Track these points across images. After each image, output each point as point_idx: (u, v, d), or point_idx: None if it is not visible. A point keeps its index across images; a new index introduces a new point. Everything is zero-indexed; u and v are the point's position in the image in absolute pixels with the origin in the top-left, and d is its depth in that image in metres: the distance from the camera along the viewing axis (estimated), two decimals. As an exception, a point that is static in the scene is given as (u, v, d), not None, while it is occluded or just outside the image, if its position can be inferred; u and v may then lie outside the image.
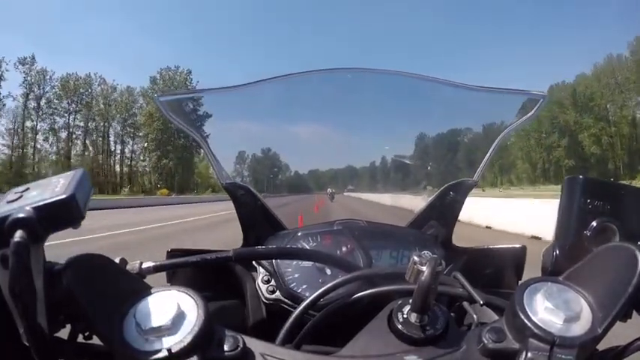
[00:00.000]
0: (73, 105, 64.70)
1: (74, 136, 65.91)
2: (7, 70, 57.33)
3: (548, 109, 72.91)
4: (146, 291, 0.38)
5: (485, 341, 0.36)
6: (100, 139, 68.28)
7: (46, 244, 0.34)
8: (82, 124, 66.33)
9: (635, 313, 0.38)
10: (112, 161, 70.36)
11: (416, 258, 0.39)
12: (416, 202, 0.96)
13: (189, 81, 68.48)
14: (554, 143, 77.01)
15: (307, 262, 0.70)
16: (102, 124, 68.28)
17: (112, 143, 70.00)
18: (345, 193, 1.42)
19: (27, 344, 0.32)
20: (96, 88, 68.05)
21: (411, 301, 0.40)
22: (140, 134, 69.54)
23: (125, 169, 71.08)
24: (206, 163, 73.71)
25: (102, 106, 67.57)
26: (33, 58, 61.12)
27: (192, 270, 0.72)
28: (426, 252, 0.41)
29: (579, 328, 0.34)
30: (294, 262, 0.71)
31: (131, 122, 69.68)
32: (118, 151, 70.76)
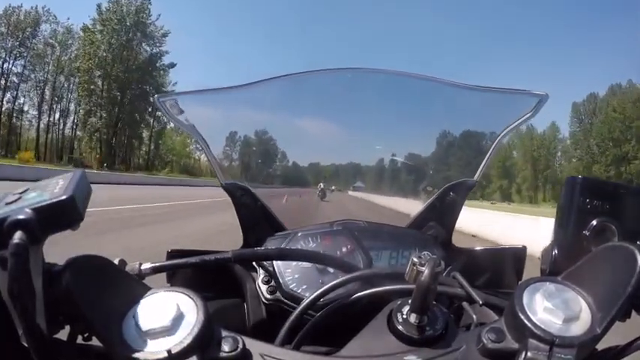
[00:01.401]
0: (15, 43, 48.06)
1: (8, 84, 48.25)
2: None
3: (620, 111, 60.65)
4: (145, 292, 0.38)
5: (485, 341, 0.36)
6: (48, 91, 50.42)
7: None
8: (29, 72, 49.10)
9: (634, 312, 0.38)
10: (62, 122, 53.26)
11: (415, 259, 0.39)
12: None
13: (147, 12, 51.42)
14: (630, 154, 61.82)
15: (307, 263, 0.70)
16: (48, 74, 50.28)
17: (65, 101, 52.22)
18: (351, 193, 1.28)
19: (26, 345, 0.32)
20: (45, 27, 50.80)
21: (410, 301, 0.40)
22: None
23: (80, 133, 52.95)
24: (182, 139, 62.69)
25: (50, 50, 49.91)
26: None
27: (191, 271, 0.72)
28: (425, 252, 0.41)
29: (578, 328, 0.34)
30: (294, 263, 0.71)
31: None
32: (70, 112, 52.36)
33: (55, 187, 0.35)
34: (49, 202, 0.33)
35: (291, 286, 0.69)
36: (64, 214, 0.33)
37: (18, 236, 0.30)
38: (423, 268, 0.38)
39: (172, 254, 0.69)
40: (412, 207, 0.96)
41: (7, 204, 0.33)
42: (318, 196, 1.29)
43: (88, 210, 0.35)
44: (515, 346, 0.35)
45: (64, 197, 0.33)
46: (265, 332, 0.55)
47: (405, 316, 0.40)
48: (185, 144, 67.15)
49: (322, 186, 1.26)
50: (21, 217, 0.31)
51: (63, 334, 0.38)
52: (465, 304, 0.55)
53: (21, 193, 0.35)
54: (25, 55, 50.38)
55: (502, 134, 0.82)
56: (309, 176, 1.24)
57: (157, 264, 0.54)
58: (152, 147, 59.87)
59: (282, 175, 1.18)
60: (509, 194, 76.98)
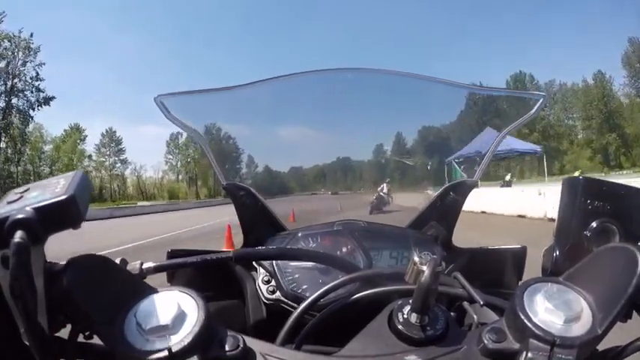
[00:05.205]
0: None
1: None
2: None
3: None
4: (147, 291, 0.38)
5: (486, 341, 0.36)
6: None
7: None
8: None
9: (635, 313, 0.38)
10: None
11: (416, 258, 0.39)
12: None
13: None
14: None
15: (307, 263, 0.70)
16: None
17: None
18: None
19: (27, 344, 0.32)
20: None
21: (411, 301, 0.40)
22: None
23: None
24: (72, 143, 45.94)
25: None
26: None
27: (191, 271, 0.72)
28: (426, 252, 0.41)
29: (579, 329, 0.34)
30: (295, 263, 0.71)
31: None
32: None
33: (56, 186, 0.34)
34: (50, 201, 0.33)
35: (291, 286, 0.69)
36: (65, 214, 0.33)
37: (19, 235, 0.30)
38: (424, 268, 0.38)
39: (172, 254, 0.69)
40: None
41: (9, 203, 0.33)
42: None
43: None
44: (516, 346, 0.35)
45: (65, 197, 0.33)
46: (265, 332, 0.55)
47: (405, 316, 0.40)
48: (78, 151, 43.89)
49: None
50: (22, 216, 0.31)
51: (64, 333, 0.38)
52: (465, 304, 0.55)
53: (22, 192, 0.35)
54: None
55: (501, 134, 0.82)
56: (318, 182, 1.14)
57: (159, 263, 0.54)
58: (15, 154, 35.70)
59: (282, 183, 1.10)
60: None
